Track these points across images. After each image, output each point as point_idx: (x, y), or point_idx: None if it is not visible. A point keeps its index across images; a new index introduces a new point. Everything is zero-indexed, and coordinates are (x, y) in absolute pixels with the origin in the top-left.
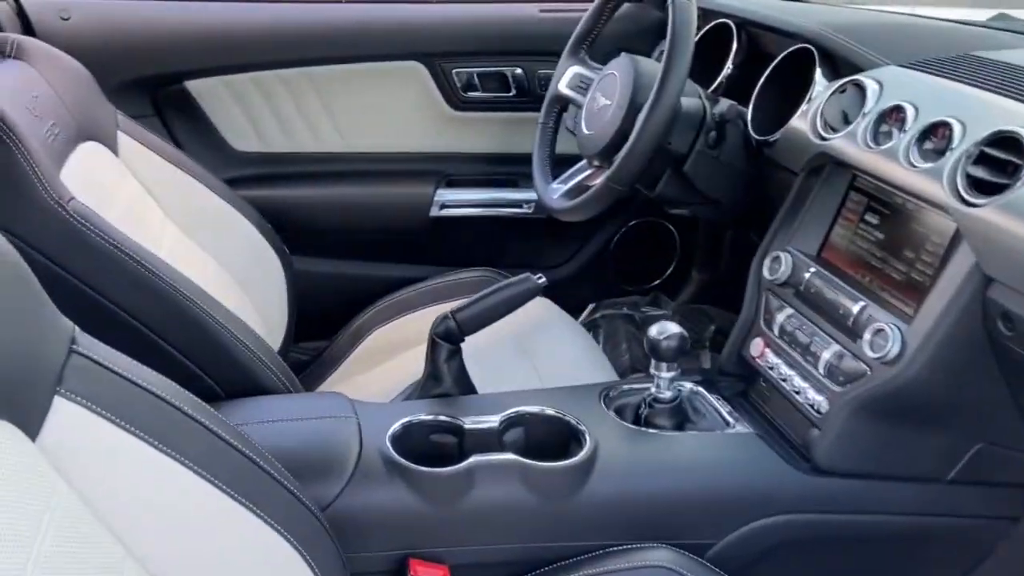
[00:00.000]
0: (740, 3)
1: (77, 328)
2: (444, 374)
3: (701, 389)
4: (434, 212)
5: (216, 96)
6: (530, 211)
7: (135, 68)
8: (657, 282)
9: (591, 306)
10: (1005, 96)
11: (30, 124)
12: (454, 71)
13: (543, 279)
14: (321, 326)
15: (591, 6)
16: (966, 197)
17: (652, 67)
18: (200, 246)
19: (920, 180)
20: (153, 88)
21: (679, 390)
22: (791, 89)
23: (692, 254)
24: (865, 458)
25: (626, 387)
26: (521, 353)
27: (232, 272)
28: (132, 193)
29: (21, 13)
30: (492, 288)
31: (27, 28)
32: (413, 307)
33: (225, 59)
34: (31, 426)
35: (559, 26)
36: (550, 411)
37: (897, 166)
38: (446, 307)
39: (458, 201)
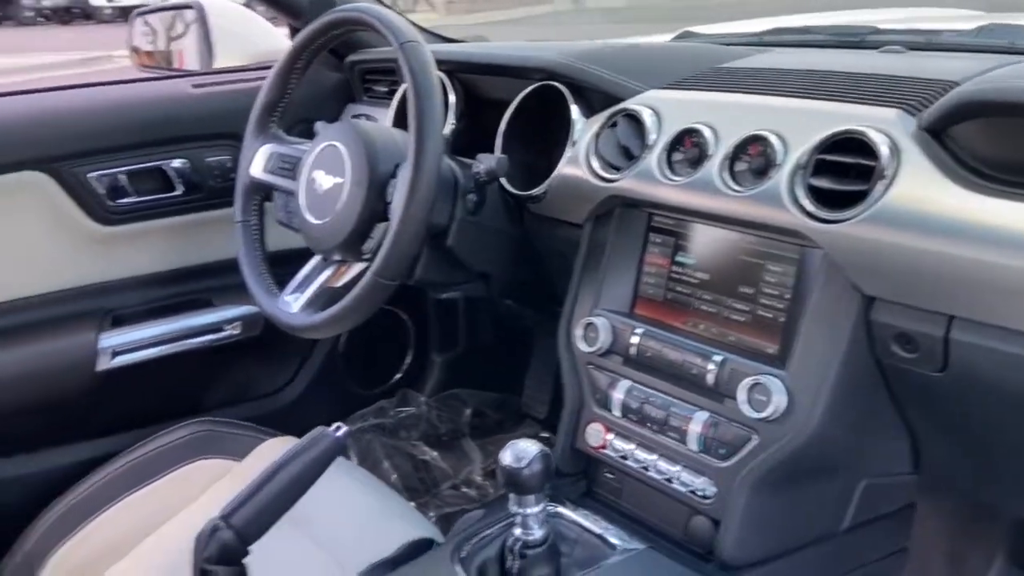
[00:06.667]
0: (447, 48)
1: None
2: None
3: (559, 508)
4: (103, 365)
5: None
6: (237, 332)
7: None
8: (398, 376)
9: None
10: (800, 98)
11: None
12: (91, 175)
13: (343, 429)
14: None
15: (271, 71)
16: (818, 214)
17: (384, 131)
18: None
19: (752, 206)
20: None
21: (547, 524)
22: (544, 135)
23: (427, 336)
24: (772, 539)
25: (475, 539)
26: (311, 541)
27: None
28: None
29: None
30: (276, 464)
31: None
32: (108, 501)
33: None
34: None
35: (222, 101)
36: None
37: (715, 196)
38: (156, 492)
39: (134, 343)
